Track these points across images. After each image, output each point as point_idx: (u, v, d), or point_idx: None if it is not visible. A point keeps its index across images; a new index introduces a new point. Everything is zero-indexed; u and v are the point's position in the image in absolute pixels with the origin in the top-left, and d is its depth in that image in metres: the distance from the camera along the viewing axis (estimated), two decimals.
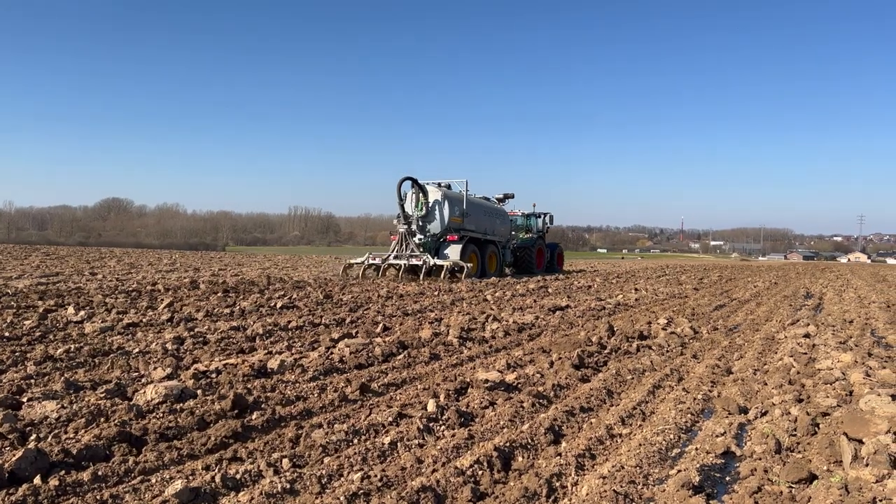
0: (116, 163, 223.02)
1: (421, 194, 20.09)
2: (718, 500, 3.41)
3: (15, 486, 3.18)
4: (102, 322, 8.31)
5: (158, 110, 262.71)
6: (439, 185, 20.93)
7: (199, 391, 5.10)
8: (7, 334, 7.23)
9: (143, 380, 5.47)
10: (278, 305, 10.87)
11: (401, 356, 6.81)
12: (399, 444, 4.06)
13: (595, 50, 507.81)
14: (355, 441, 4.12)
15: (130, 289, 12.94)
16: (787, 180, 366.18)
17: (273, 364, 6.06)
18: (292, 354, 6.72)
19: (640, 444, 4.17)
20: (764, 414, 4.94)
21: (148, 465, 3.57)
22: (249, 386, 5.39)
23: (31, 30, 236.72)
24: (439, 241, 20.34)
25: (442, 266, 18.77)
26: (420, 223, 20.05)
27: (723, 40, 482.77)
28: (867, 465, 3.52)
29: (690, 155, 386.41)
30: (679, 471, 3.76)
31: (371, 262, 19.87)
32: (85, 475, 3.33)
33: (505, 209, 24.99)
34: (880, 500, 3.10)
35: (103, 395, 4.84)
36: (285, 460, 3.68)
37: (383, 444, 4.01)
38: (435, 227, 20.23)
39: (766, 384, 6.01)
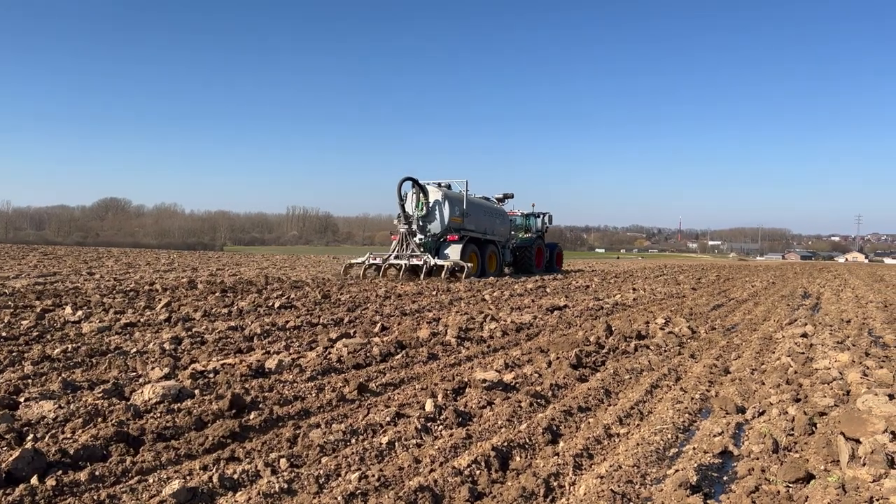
0: (114, 163, 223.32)
1: (421, 194, 20.17)
2: (716, 499, 3.41)
3: (12, 487, 3.17)
4: (100, 322, 8.30)
5: (156, 110, 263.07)
6: (439, 185, 21.00)
7: (196, 391, 5.10)
8: (4, 334, 7.21)
9: (141, 380, 5.46)
10: (276, 305, 10.86)
11: (399, 356, 6.81)
12: (397, 443, 4.06)
13: (595, 50, 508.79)
14: (353, 441, 4.12)
15: (128, 289, 12.92)
16: (785, 180, 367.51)
17: (271, 364, 6.05)
18: (290, 354, 6.71)
19: (638, 444, 4.17)
20: (761, 414, 4.94)
21: (145, 465, 3.57)
22: (247, 386, 5.38)
23: (31, 30, 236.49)
24: (439, 240, 20.40)
25: (442, 266, 18.83)
26: (420, 223, 20.12)
27: (722, 40, 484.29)
28: (864, 464, 3.52)
29: (689, 155, 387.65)
30: (676, 470, 3.76)
31: (372, 262, 19.93)
32: (82, 475, 3.33)
33: (504, 209, 25.05)
34: (877, 500, 3.11)
35: (101, 395, 4.83)
36: (283, 460, 3.67)
37: (381, 444, 4.00)
38: (435, 227, 20.30)
39: (763, 384, 6.02)
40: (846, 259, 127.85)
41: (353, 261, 20.77)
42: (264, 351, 6.92)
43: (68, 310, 9.28)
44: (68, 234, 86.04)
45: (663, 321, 10.11)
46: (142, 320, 8.69)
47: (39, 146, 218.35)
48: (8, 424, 3.99)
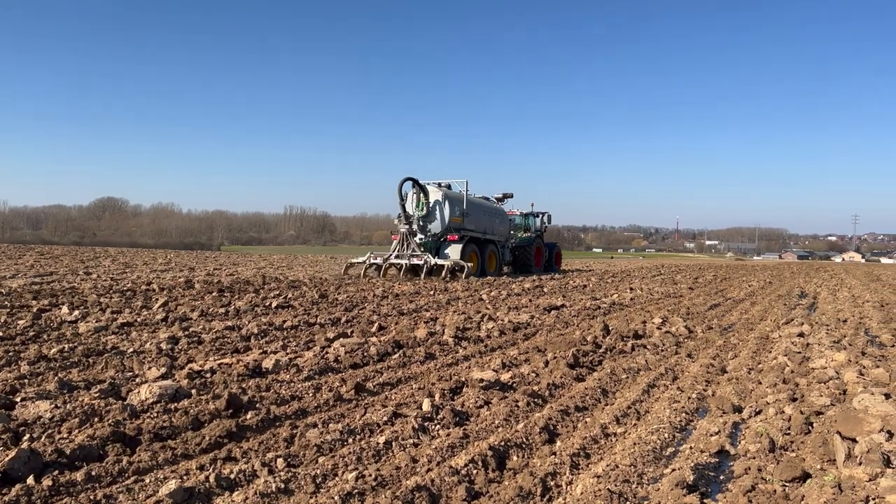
0: (111, 162, 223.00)
1: (422, 194, 20.30)
2: (712, 498, 3.42)
3: (8, 487, 3.16)
4: (97, 322, 8.28)
5: (155, 110, 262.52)
6: (440, 185, 21.12)
7: (193, 391, 5.09)
8: (1, 334, 7.19)
9: (138, 379, 5.45)
10: (273, 305, 10.85)
11: (396, 356, 6.81)
12: (394, 443, 4.06)
13: (595, 50, 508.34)
14: (350, 440, 4.12)
15: (125, 288, 12.89)
16: (782, 180, 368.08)
17: (268, 364, 6.05)
18: (287, 354, 6.71)
19: (635, 444, 4.18)
20: (758, 413, 4.95)
21: (142, 465, 3.56)
22: (244, 385, 5.38)
23: (31, 30, 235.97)
24: (440, 240, 20.52)
25: (443, 266, 18.96)
26: (421, 223, 20.24)
27: (721, 40, 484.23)
28: (860, 463, 3.53)
29: (686, 155, 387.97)
30: (673, 470, 3.77)
31: (373, 261, 20.04)
32: (78, 475, 3.32)
33: (504, 208, 25.13)
34: (873, 499, 3.11)
35: (97, 394, 4.82)
36: (280, 460, 3.67)
37: (378, 443, 4.00)
38: (435, 226, 20.43)
39: (760, 383, 6.03)
40: (843, 259, 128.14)
41: (353, 260, 20.85)
42: (261, 351, 6.92)
43: (65, 309, 9.26)
44: (65, 233, 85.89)
45: (660, 321, 10.12)
46: (138, 320, 8.67)
47: (36, 146, 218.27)
48: (4, 424, 3.98)
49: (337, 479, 3.48)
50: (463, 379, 5.77)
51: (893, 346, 8.00)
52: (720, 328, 9.90)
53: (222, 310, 10.01)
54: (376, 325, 8.81)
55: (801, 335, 8.77)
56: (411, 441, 4.14)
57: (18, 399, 4.67)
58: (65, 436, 3.97)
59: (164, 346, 6.91)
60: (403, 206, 19.75)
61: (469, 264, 19.52)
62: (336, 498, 3.17)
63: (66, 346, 6.61)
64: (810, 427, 4.42)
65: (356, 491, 3.26)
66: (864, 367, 6.21)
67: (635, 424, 4.73)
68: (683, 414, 4.96)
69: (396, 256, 19.75)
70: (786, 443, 4.22)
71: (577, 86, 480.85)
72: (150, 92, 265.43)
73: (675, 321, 10.13)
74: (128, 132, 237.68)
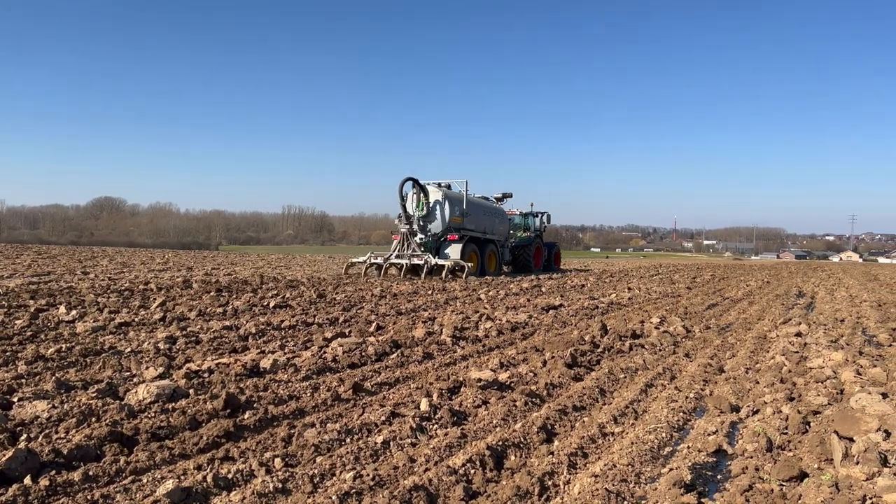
0: (110, 162, 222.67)
1: (422, 194, 20.40)
2: (710, 498, 3.42)
3: (5, 487, 3.16)
4: (94, 321, 8.27)
5: (154, 110, 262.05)
6: (440, 185, 21.21)
7: (191, 391, 5.08)
8: None
9: (135, 379, 5.45)
10: (271, 305, 10.84)
11: (394, 355, 6.81)
12: (392, 443, 4.06)
13: (595, 50, 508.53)
14: (348, 440, 4.12)
15: (123, 288, 12.87)
16: (779, 180, 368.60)
17: (266, 363, 6.04)
18: (285, 354, 6.70)
19: (633, 443, 4.18)
20: (755, 412, 4.96)
21: (139, 465, 3.56)
22: (242, 385, 5.37)
23: (31, 30, 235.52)
24: (440, 240, 20.60)
25: (443, 265, 19.03)
26: (421, 223, 20.33)
27: (721, 40, 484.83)
28: (857, 463, 3.53)
29: (685, 155, 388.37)
30: (671, 469, 3.77)
31: (373, 261, 20.12)
32: (76, 475, 3.32)
33: (503, 208, 25.19)
34: (870, 498, 3.12)
35: (94, 394, 4.81)
36: (277, 460, 3.67)
37: (376, 443, 4.00)
38: (436, 226, 20.52)
39: (757, 383, 6.04)
40: (840, 258, 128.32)
41: (354, 260, 20.93)
42: (259, 350, 6.91)
43: (62, 309, 9.24)
44: (63, 233, 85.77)
45: (658, 320, 10.13)
46: (136, 320, 8.66)
47: (35, 145, 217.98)
48: (1, 424, 3.98)
49: (335, 478, 3.48)
50: (461, 379, 5.77)
51: (891, 345, 8.01)
52: (718, 328, 9.90)
53: (220, 309, 10.00)
54: (374, 324, 8.80)
55: (798, 335, 8.78)
56: (409, 441, 4.14)
57: (16, 399, 4.66)
58: (62, 436, 3.96)
59: (161, 345, 6.90)
60: (404, 206, 19.83)
61: (469, 264, 19.60)
62: (334, 498, 3.17)
63: (64, 345, 6.59)
64: (807, 426, 4.42)
65: (354, 491, 3.26)
66: (862, 367, 6.22)
67: (633, 424, 4.74)
68: (681, 413, 4.97)
69: (397, 256, 19.84)
70: (783, 442, 4.23)
71: (576, 86, 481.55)
72: (150, 92, 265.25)
73: (672, 321, 10.14)
74: (127, 132, 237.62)
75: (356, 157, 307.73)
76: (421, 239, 20.22)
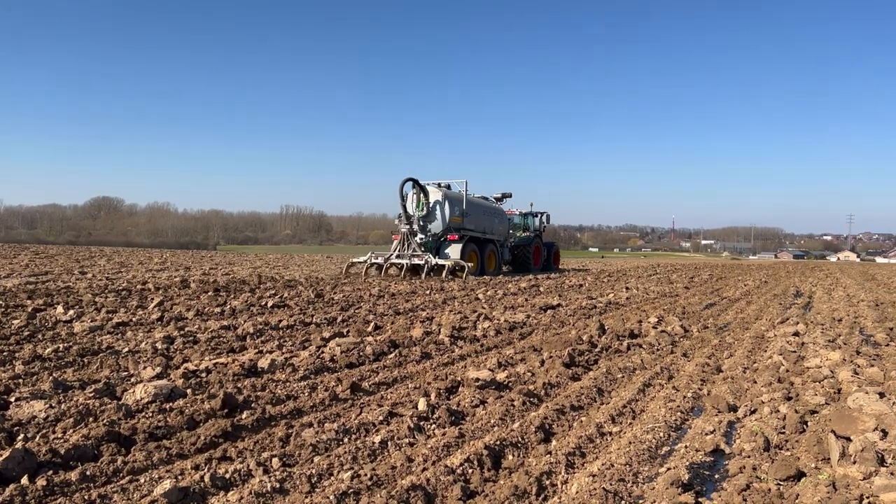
0: (108, 162, 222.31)
1: (422, 195, 20.51)
2: (707, 497, 3.42)
3: (2, 487, 3.15)
4: (92, 321, 8.26)
5: (153, 110, 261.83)
6: (439, 185, 21.31)
7: (188, 390, 5.08)
8: None
9: (133, 379, 5.44)
10: (269, 304, 10.83)
11: (392, 355, 6.81)
12: (389, 442, 4.06)
13: (595, 50, 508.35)
14: (345, 440, 4.12)
15: (120, 288, 12.86)
16: (777, 180, 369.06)
17: (263, 363, 6.03)
18: (283, 353, 6.70)
19: (630, 443, 4.19)
20: (753, 412, 4.96)
21: (137, 465, 3.55)
22: (239, 385, 5.37)
23: (31, 30, 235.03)
24: (440, 240, 20.69)
25: (443, 265, 19.08)
26: (421, 223, 20.44)
27: (721, 40, 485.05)
28: (855, 462, 3.54)
29: (683, 155, 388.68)
30: (668, 468, 3.77)
31: (374, 261, 20.18)
32: (73, 475, 3.31)
33: (503, 208, 25.25)
34: (867, 498, 3.12)
35: (92, 394, 4.80)
36: (275, 459, 3.66)
37: (374, 443, 4.00)
38: (436, 226, 20.62)
39: (755, 382, 6.04)
40: (838, 258, 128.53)
41: (354, 260, 20.99)
42: (257, 350, 6.90)
43: (60, 309, 9.22)
44: (60, 233, 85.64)
45: (656, 320, 10.14)
46: (134, 319, 8.65)
47: (34, 145, 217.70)
48: None
49: (332, 478, 3.48)
50: (459, 378, 5.77)
51: (888, 345, 8.02)
52: (716, 327, 9.92)
53: (218, 309, 9.99)
54: (372, 324, 8.80)
55: (796, 334, 8.79)
56: (407, 440, 4.14)
57: (13, 399, 4.65)
58: (59, 436, 3.96)
59: (159, 345, 6.89)
60: (404, 207, 19.93)
61: (469, 264, 19.69)
62: (331, 497, 3.17)
63: (61, 345, 6.58)
64: (805, 426, 4.43)
65: (351, 490, 3.25)
66: (859, 367, 6.23)
67: (631, 423, 4.74)
68: (679, 413, 4.97)
69: (397, 256, 19.91)
70: (780, 442, 4.24)
71: (576, 86, 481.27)
72: (149, 92, 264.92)
73: (670, 320, 10.14)
74: (126, 132, 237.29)
75: (355, 157, 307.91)
76: (421, 239, 20.32)
